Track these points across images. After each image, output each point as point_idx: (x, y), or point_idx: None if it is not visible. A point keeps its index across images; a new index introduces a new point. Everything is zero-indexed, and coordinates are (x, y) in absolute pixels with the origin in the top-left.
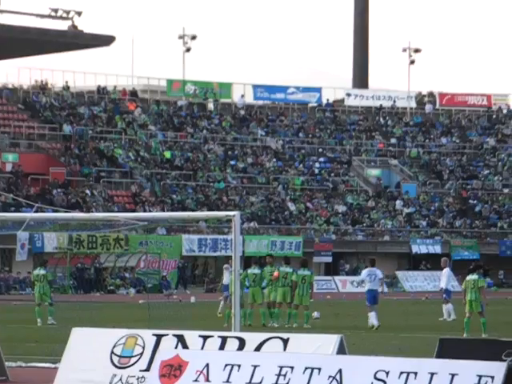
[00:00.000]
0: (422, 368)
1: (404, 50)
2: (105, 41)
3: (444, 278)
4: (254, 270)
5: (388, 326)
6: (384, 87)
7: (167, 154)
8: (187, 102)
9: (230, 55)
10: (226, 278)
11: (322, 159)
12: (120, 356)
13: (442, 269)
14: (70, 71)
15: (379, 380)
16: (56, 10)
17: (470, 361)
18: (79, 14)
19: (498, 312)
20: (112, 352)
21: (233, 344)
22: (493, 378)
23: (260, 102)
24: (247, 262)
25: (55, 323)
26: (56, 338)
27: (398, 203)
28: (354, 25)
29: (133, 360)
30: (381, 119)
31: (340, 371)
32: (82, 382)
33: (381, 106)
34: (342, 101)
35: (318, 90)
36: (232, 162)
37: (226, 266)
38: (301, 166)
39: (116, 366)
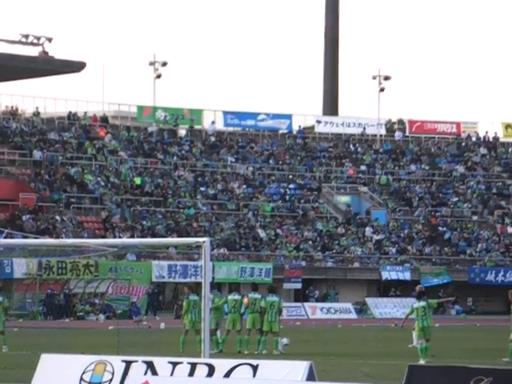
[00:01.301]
0: None
1: (374, 78)
2: (75, 67)
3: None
4: (234, 297)
5: (357, 353)
6: (354, 114)
7: (137, 180)
8: (158, 129)
9: (201, 82)
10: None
11: (292, 186)
12: (89, 382)
13: (412, 295)
14: (40, 97)
15: None
16: (27, 36)
17: None
18: (50, 40)
19: (466, 339)
20: (81, 378)
21: (202, 370)
22: None
23: (230, 129)
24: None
25: (8, 351)
26: (25, 364)
27: (368, 230)
28: (325, 52)
29: None
30: (351, 146)
31: None
32: None
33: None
34: (312, 128)
35: (289, 116)
36: (202, 189)
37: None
38: (271, 192)
39: None
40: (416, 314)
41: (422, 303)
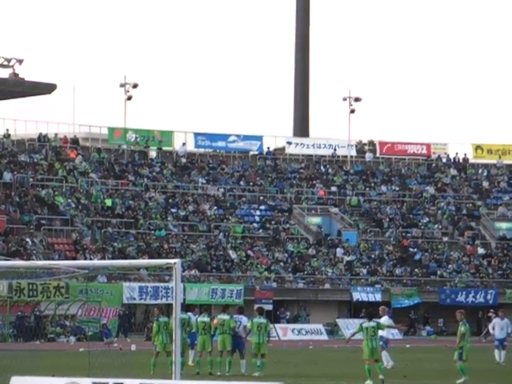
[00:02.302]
0: None
1: (344, 99)
2: (46, 89)
3: None
4: (203, 318)
5: (328, 374)
6: (325, 136)
7: (108, 202)
8: (128, 150)
9: (172, 103)
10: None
11: (262, 207)
12: None
13: (380, 317)
14: (10, 119)
15: None
16: None
17: None
18: (20, 61)
19: (437, 360)
20: None
21: None
22: None
23: (201, 150)
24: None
25: None
26: None
27: (339, 251)
28: (295, 73)
29: None
30: (321, 167)
31: None
32: None
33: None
34: (283, 149)
35: (259, 138)
36: (173, 210)
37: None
38: (242, 213)
39: None
40: (365, 334)
41: (372, 323)
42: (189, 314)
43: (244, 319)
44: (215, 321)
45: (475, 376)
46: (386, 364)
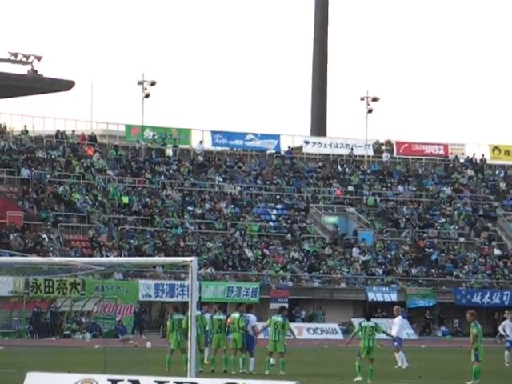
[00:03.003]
0: None
1: (362, 99)
2: (64, 86)
3: (396, 327)
4: (219, 316)
5: (343, 374)
6: (342, 135)
7: (125, 199)
8: (146, 148)
9: (189, 101)
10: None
11: (279, 206)
12: None
13: (394, 317)
14: (29, 115)
15: None
16: (16, 55)
17: None
18: (39, 58)
19: (452, 361)
20: None
21: None
22: None
23: (218, 149)
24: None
25: None
26: (11, 382)
27: (355, 251)
28: (313, 73)
29: None
30: (338, 167)
31: None
32: None
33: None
34: (300, 148)
35: (277, 137)
36: (190, 208)
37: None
38: (258, 212)
39: None
40: (363, 333)
41: (371, 323)
42: (202, 311)
43: (252, 317)
44: (229, 319)
45: (486, 378)
46: (400, 364)
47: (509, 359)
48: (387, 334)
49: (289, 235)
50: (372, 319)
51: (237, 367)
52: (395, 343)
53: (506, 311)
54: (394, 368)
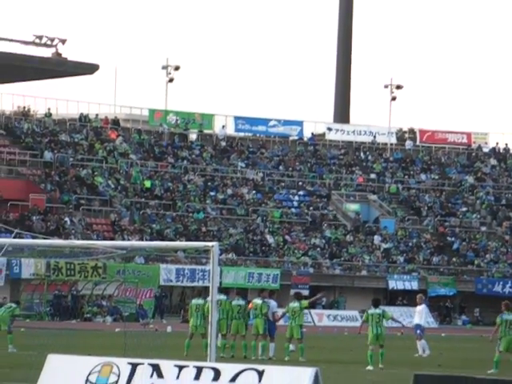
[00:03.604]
0: None
1: (386, 87)
2: (88, 69)
3: (419, 315)
4: (238, 302)
5: (363, 361)
6: (365, 122)
7: (147, 184)
8: (169, 132)
9: (213, 87)
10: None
11: (301, 192)
12: None
13: (417, 305)
14: (52, 98)
15: None
16: (40, 37)
17: None
18: (63, 41)
19: (472, 349)
20: (87, 380)
21: (208, 374)
22: None
23: (241, 134)
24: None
25: (15, 351)
26: (31, 364)
27: (376, 238)
28: (337, 60)
29: None
30: (361, 154)
31: None
32: None
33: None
34: (323, 135)
35: (300, 123)
36: (212, 193)
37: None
38: (280, 198)
39: None
40: (371, 320)
41: (378, 311)
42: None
43: (273, 303)
44: (250, 305)
45: (507, 368)
46: (421, 353)
47: None
48: (395, 321)
49: (310, 222)
50: (380, 306)
51: (256, 353)
52: (418, 331)
53: None
54: (414, 356)
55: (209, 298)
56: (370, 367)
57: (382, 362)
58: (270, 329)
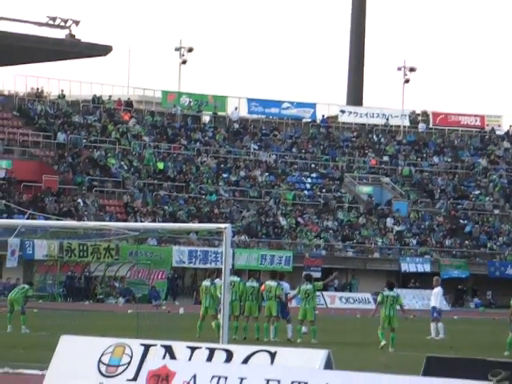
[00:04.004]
0: None
1: (399, 69)
2: (102, 50)
3: (435, 297)
4: (252, 283)
5: (376, 343)
6: (378, 105)
7: (160, 165)
8: (182, 114)
9: (226, 68)
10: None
11: (314, 175)
12: (107, 365)
13: (431, 287)
14: (65, 80)
15: None
16: (54, 19)
17: (456, 379)
18: (77, 23)
19: (484, 332)
20: (100, 360)
21: (220, 356)
22: None
23: (254, 116)
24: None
25: (28, 332)
26: (44, 345)
27: (389, 221)
28: (350, 42)
29: (120, 369)
30: (374, 137)
31: None
32: None
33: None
34: (336, 117)
35: (313, 105)
36: (224, 175)
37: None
38: (293, 180)
39: (103, 375)
40: (385, 302)
41: (393, 293)
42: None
43: (286, 285)
44: (263, 287)
45: None
46: (434, 335)
47: None
48: (402, 308)
49: (323, 204)
50: (395, 289)
51: (269, 335)
52: (435, 314)
53: None
54: (426, 338)
55: (216, 281)
56: (383, 342)
57: (393, 346)
58: (284, 311)
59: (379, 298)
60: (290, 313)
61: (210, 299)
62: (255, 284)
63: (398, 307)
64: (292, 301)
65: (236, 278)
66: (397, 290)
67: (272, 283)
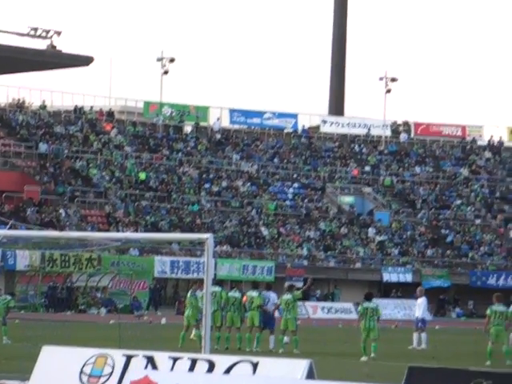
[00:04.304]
0: None
1: (380, 79)
2: (83, 61)
3: (420, 308)
4: (234, 294)
5: (357, 353)
6: (360, 115)
7: (142, 176)
8: (163, 125)
9: (208, 79)
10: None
11: (296, 185)
12: (89, 375)
13: (413, 297)
14: (47, 90)
15: None
16: (35, 29)
17: None
18: (58, 33)
19: (466, 342)
20: (81, 371)
21: (202, 366)
22: None
23: (236, 127)
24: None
25: (9, 342)
26: (26, 355)
27: (371, 231)
28: (332, 52)
29: (102, 380)
30: (356, 147)
31: None
32: None
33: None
34: (318, 127)
35: (294, 116)
36: (206, 185)
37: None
38: (275, 191)
39: None
40: (365, 314)
41: (372, 305)
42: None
43: (273, 295)
44: (245, 298)
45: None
46: (415, 345)
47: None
48: (378, 319)
49: (305, 214)
50: (373, 300)
51: (251, 345)
52: (419, 324)
53: None
54: (408, 348)
55: (197, 292)
56: (364, 358)
57: (374, 352)
58: (269, 322)
59: (360, 310)
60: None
61: (191, 309)
62: (237, 294)
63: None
64: (275, 311)
65: (218, 289)
66: (378, 300)
67: (254, 293)
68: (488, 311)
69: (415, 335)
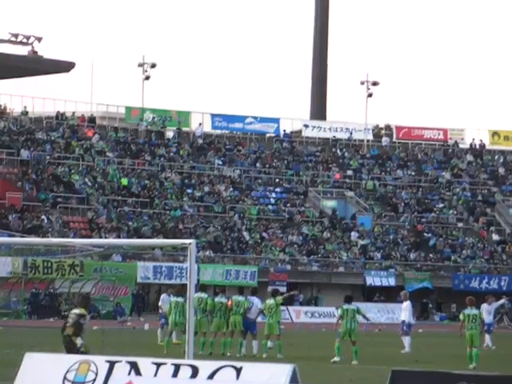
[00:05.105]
0: None
1: (362, 83)
2: (64, 67)
3: (405, 311)
4: (221, 299)
5: (341, 358)
6: (341, 119)
7: (124, 181)
8: (145, 130)
9: (189, 84)
10: (165, 307)
11: (278, 189)
12: (73, 382)
13: (396, 301)
14: (28, 96)
15: None
16: (16, 35)
17: None
18: (39, 39)
19: (449, 345)
20: (65, 378)
21: (186, 372)
22: None
23: (218, 132)
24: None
25: None
26: (9, 362)
27: (353, 235)
28: (313, 56)
29: None
30: (338, 151)
31: None
32: None
33: (337, 137)
34: (300, 132)
35: (276, 120)
36: (189, 191)
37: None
38: (257, 195)
39: None
40: (345, 315)
41: (352, 307)
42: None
43: (256, 300)
44: (230, 302)
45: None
46: (407, 349)
47: (492, 343)
48: (365, 317)
49: (287, 219)
50: (353, 303)
51: (235, 350)
52: (404, 327)
53: (503, 296)
54: (401, 353)
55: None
56: (336, 358)
57: (356, 359)
58: (251, 326)
59: (340, 312)
60: (258, 328)
61: (179, 314)
62: (224, 300)
63: (361, 318)
64: (258, 316)
65: (204, 295)
66: (362, 304)
67: (240, 298)
68: (461, 316)
69: (406, 339)
